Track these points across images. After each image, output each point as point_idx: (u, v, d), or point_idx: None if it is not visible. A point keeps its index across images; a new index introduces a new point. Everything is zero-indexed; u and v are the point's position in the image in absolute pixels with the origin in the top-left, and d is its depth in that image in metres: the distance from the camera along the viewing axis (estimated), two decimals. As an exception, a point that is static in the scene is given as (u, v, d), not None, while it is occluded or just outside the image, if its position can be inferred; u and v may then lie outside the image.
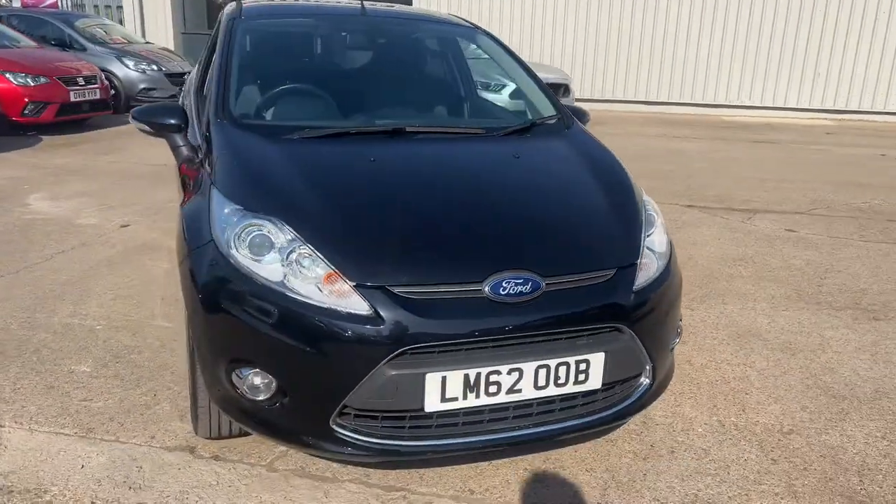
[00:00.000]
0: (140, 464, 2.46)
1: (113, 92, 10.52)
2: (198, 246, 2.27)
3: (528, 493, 2.36)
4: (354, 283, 2.04)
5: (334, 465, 2.46)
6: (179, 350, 3.29)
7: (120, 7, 17.08)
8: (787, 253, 5.01)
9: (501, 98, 3.49)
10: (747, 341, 3.56)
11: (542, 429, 2.20)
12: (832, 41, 12.85)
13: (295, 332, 2.04)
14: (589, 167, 2.70)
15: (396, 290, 2.03)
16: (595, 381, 2.18)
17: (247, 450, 2.54)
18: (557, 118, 3.13)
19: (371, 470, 2.44)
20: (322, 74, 3.31)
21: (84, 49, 11.27)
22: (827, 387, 3.11)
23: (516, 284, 2.07)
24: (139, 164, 7.53)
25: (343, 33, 3.60)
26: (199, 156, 2.75)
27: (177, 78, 11.77)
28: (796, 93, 13.20)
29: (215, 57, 3.07)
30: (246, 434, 2.53)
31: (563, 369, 2.12)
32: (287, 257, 2.11)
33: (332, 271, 2.06)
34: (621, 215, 2.44)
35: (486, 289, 2.06)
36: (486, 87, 3.66)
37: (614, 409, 2.30)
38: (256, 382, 2.10)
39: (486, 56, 3.60)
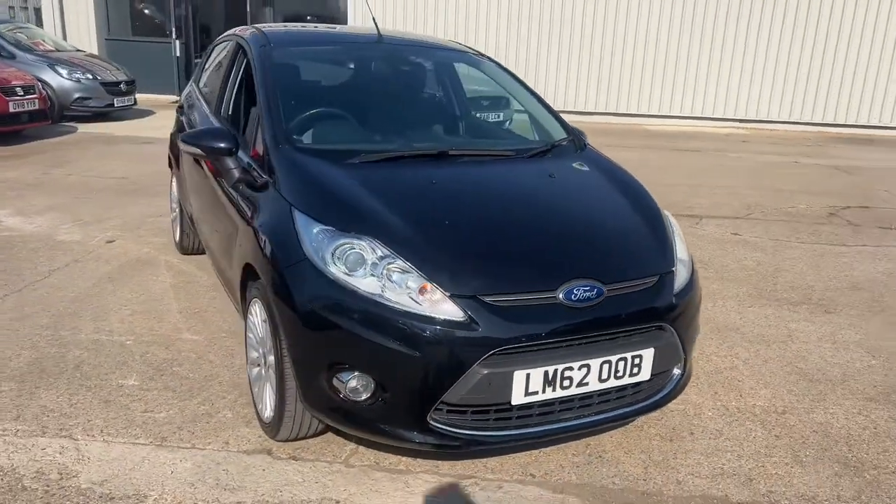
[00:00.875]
0: (225, 467, 2.64)
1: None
2: (289, 265, 2.48)
3: (581, 474, 2.68)
4: (450, 294, 2.31)
5: (405, 458, 2.72)
6: (217, 361, 3.46)
7: (38, 9, 16.39)
8: (738, 255, 5.55)
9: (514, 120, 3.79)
10: (727, 335, 4.01)
11: (601, 416, 2.54)
12: (742, 57, 13.86)
13: (395, 337, 2.29)
14: (615, 185, 3.07)
15: (486, 298, 2.32)
16: (645, 374, 2.53)
17: (319, 450, 2.76)
18: (570, 140, 3.48)
19: (439, 462, 2.71)
20: (359, 100, 3.53)
21: (13, 57, 10.88)
22: (803, 372, 3.59)
23: (585, 291, 2.40)
24: (96, 178, 7.44)
25: (370, 60, 3.83)
26: (257, 178, 2.94)
27: (112, 87, 11.56)
28: (712, 103, 14.14)
29: (258, 84, 3.23)
30: (319, 434, 2.76)
31: (621, 364, 2.46)
32: (381, 271, 2.36)
33: (427, 283, 2.33)
34: (655, 228, 2.81)
35: (560, 296, 2.38)
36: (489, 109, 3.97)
37: (656, 398, 2.65)
38: (357, 385, 2.34)
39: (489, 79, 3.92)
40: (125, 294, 4.26)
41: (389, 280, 2.35)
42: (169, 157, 5.10)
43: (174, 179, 5.02)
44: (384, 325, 2.30)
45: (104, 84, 11.44)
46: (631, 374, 2.50)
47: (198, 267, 4.77)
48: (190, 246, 4.86)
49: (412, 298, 2.32)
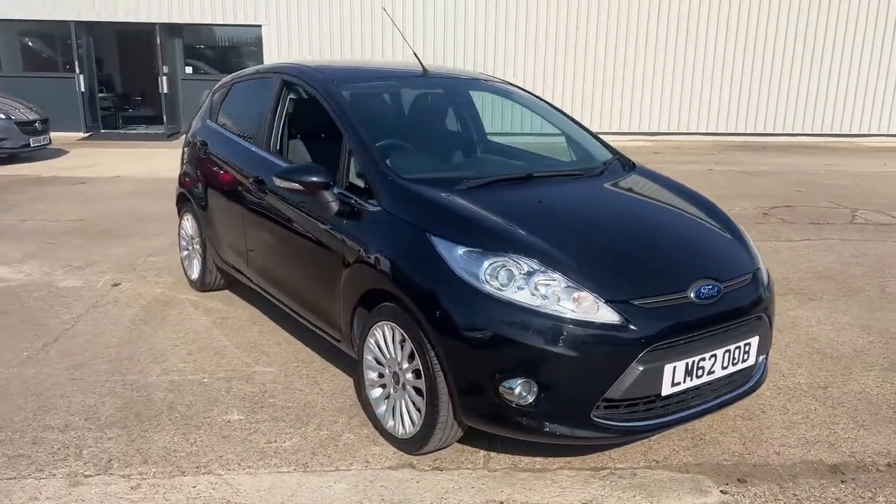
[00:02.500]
0: (380, 483, 2.77)
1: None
2: (441, 285, 2.66)
3: (696, 455, 3.00)
4: (605, 300, 2.58)
5: (538, 458, 2.94)
6: (306, 389, 3.55)
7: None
8: (711, 256, 6.10)
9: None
10: (743, 326, 4.47)
11: (718, 400, 2.86)
12: (643, 75, 14.95)
13: (558, 342, 2.52)
14: (684, 197, 3.44)
15: (636, 302, 2.60)
16: (752, 359, 2.89)
17: (457, 459, 2.94)
18: (616, 158, 3.83)
19: (571, 457, 2.95)
20: (430, 130, 3.73)
21: (-81, 97, 10.17)
22: (822, 352, 4.08)
23: (709, 289, 2.73)
24: (52, 222, 7.14)
25: (426, 93, 4.04)
26: (365, 208, 3.09)
27: (26, 126, 11.01)
28: (618, 119, 15.14)
29: (341, 121, 3.36)
30: (448, 445, 2.94)
31: (737, 352, 2.80)
32: (532, 285, 2.59)
33: (581, 292, 2.58)
34: (734, 232, 3.20)
35: (692, 295, 2.70)
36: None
37: (753, 382, 3.02)
38: (523, 391, 2.55)
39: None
40: (168, 335, 4.22)
41: (542, 292, 2.59)
42: (180, 196, 5.06)
43: (187, 218, 4.99)
44: (546, 332, 2.53)
45: (18, 124, 10.88)
46: (743, 361, 2.85)
47: (224, 303, 4.76)
48: (212, 283, 4.84)
49: (567, 307, 2.57)
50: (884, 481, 2.83)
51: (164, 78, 14.74)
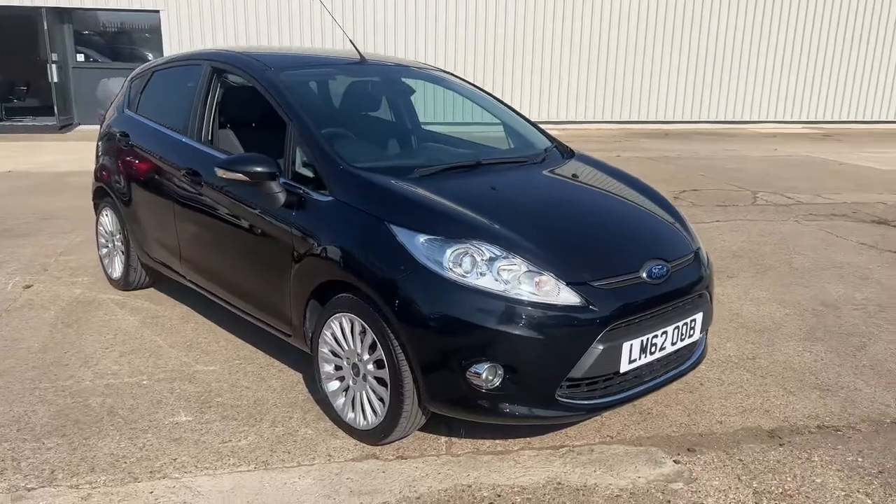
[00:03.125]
0: (346, 476, 2.74)
1: None
2: (404, 274, 2.65)
3: (647, 429, 3.12)
4: (566, 282, 2.64)
5: (498, 440, 2.99)
6: (253, 386, 3.46)
7: None
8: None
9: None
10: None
11: (668, 375, 2.99)
12: (550, 63, 15.30)
13: (523, 325, 2.56)
14: (626, 182, 3.55)
15: (595, 284, 2.68)
16: (697, 335, 3.04)
17: (419, 447, 2.94)
18: (555, 146, 3.92)
19: (530, 438, 3.01)
20: (372, 118, 3.68)
21: None
22: (746, 326, 4.33)
23: (659, 269, 2.84)
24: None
25: (365, 81, 3.97)
26: (314, 199, 3.03)
27: None
28: (527, 106, 15.43)
29: (284, 109, 3.27)
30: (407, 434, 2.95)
31: (685, 327, 2.94)
32: (495, 270, 2.63)
33: (542, 276, 2.63)
34: (674, 214, 3.33)
35: (644, 275, 2.80)
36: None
37: (696, 356, 3.17)
38: (490, 374, 2.58)
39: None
40: (96, 337, 4.00)
41: (504, 277, 2.63)
42: (98, 191, 4.79)
43: (106, 214, 4.74)
44: (510, 316, 2.57)
45: None
46: (689, 336, 2.99)
47: (151, 302, 4.57)
48: (137, 281, 4.63)
49: (530, 290, 2.62)
50: (816, 442, 3.04)
51: (54, 66, 13.84)
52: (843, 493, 2.67)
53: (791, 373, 3.70)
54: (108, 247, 4.80)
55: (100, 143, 4.83)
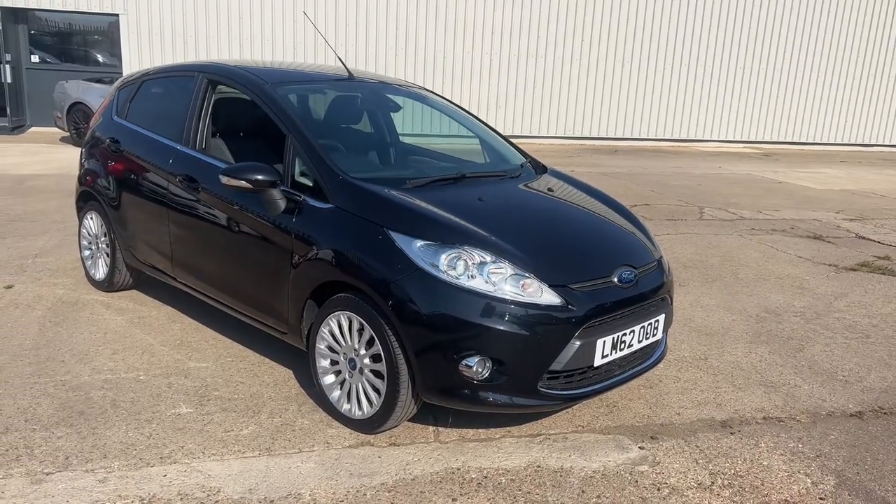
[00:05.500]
0: (346, 461, 2.98)
1: None
2: (403, 275, 2.92)
3: (613, 419, 3.45)
4: (548, 285, 2.95)
5: (481, 429, 3.27)
6: (248, 381, 3.67)
7: None
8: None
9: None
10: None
11: (634, 370, 3.32)
12: (507, 82, 15.75)
13: (510, 322, 2.86)
14: (593, 196, 3.89)
15: (572, 286, 2.99)
16: (660, 334, 3.38)
17: (409, 435, 3.20)
18: (529, 161, 4.24)
19: (510, 427, 3.31)
20: (364, 131, 3.93)
21: None
22: (698, 329, 4.72)
23: (628, 274, 3.17)
24: None
25: (354, 97, 4.23)
26: (313, 206, 3.27)
27: None
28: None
29: (284, 122, 3.50)
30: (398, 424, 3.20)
31: (650, 327, 3.28)
32: (485, 273, 2.92)
33: (527, 278, 2.94)
34: (638, 225, 3.69)
35: (615, 279, 3.13)
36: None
37: (658, 354, 3.51)
38: (480, 367, 2.87)
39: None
40: (87, 336, 4.15)
41: (493, 279, 2.92)
42: (83, 194, 4.91)
43: (91, 217, 4.86)
44: (499, 314, 2.86)
45: None
46: (653, 335, 3.33)
47: (136, 302, 4.71)
48: (121, 282, 4.77)
49: (516, 291, 2.92)
50: (762, 431, 3.41)
51: (7, 66, 13.65)
52: (786, 474, 3.04)
53: (739, 371, 4.08)
54: (90, 249, 4.93)
55: (84, 150, 4.96)
